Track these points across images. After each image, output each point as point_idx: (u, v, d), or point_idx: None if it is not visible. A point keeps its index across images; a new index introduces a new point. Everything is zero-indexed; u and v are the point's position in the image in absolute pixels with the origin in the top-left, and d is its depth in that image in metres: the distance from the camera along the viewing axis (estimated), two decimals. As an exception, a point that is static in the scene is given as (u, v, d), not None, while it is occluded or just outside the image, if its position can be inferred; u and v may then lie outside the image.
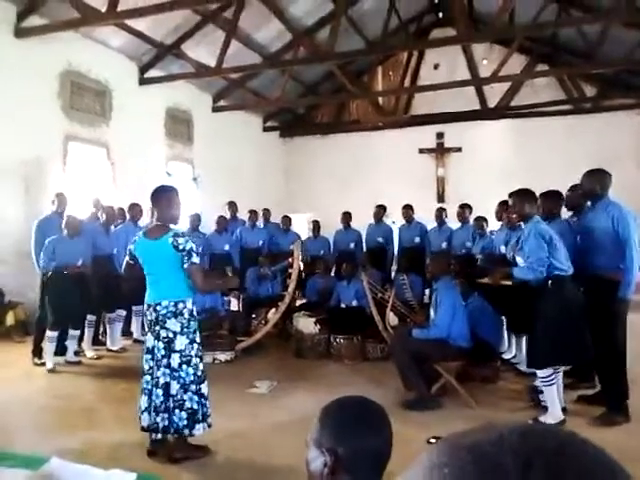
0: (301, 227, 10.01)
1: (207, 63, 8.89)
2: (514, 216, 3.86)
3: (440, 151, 12.65)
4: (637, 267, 3.52)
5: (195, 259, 3.03)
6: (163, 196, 3.15)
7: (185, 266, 3.01)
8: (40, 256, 5.12)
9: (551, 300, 3.53)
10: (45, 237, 5.18)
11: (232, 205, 8.04)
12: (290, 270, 5.88)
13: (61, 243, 5.08)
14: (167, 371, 3.06)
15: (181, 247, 2.99)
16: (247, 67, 8.85)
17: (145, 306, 3.20)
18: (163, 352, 3.07)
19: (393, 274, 7.24)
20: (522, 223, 4.03)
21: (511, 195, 3.80)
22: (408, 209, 7.49)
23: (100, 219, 5.96)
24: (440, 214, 7.11)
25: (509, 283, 4.06)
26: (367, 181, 12.47)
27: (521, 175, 10.75)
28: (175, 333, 3.07)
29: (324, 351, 5.54)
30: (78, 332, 5.35)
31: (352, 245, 7.66)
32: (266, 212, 8.41)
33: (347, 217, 7.77)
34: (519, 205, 3.70)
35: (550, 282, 3.53)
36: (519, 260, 3.71)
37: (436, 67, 12.28)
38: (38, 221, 5.59)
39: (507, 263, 4.51)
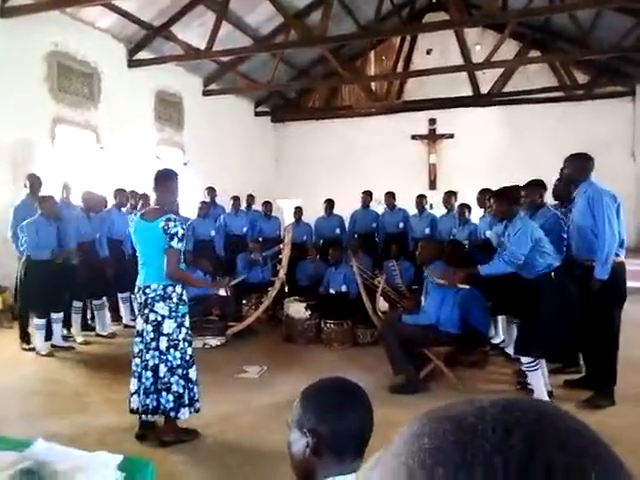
0: (291, 213, 9.97)
1: (197, 45, 8.76)
2: (497, 215, 3.88)
3: (432, 137, 12.63)
4: (611, 246, 3.47)
5: (174, 243, 3.01)
6: (164, 180, 3.15)
7: (164, 247, 3.02)
8: (20, 240, 5.03)
9: (555, 293, 3.53)
10: (20, 222, 5.08)
11: (211, 190, 7.98)
12: (280, 256, 5.88)
13: (39, 227, 4.98)
14: (156, 354, 3.08)
15: (168, 230, 2.99)
16: (238, 50, 8.73)
17: (136, 288, 3.20)
18: (152, 335, 3.09)
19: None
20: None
21: (492, 196, 3.82)
22: (390, 196, 7.58)
23: (71, 203, 5.84)
24: (420, 201, 7.18)
25: (467, 287, 4.03)
26: (359, 167, 12.43)
27: (513, 162, 10.80)
28: (163, 317, 3.08)
29: (314, 336, 5.56)
30: (61, 315, 5.26)
31: (337, 231, 7.67)
32: (249, 198, 8.33)
33: (330, 204, 7.80)
34: (498, 206, 3.74)
35: (553, 274, 3.54)
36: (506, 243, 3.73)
37: (429, 52, 12.21)
38: (15, 206, 5.48)
39: (491, 249, 4.54)
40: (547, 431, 0.35)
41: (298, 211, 7.86)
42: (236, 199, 7.77)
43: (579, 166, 3.71)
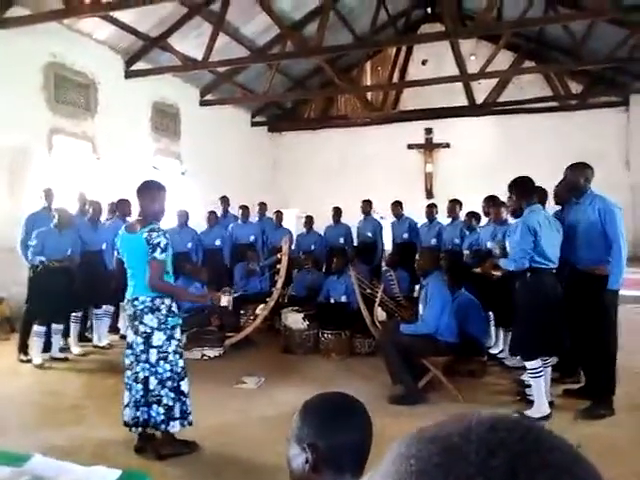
0: (289, 222, 9.98)
1: (194, 56, 8.80)
2: (511, 208, 3.92)
3: (428, 147, 12.69)
4: (625, 258, 3.53)
5: (157, 254, 2.99)
6: (147, 191, 3.14)
7: (148, 259, 3.01)
8: (28, 250, 5.04)
9: (530, 292, 3.58)
10: (30, 233, 5.12)
11: (224, 200, 8.04)
12: (279, 266, 5.87)
13: (49, 236, 5.01)
14: (146, 366, 3.07)
15: (151, 241, 2.98)
16: (234, 61, 8.78)
17: (125, 300, 3.20)
18: (142, 347, 3.08)
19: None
20: (511, 217, 4.08)
21: (509, 186, 3.84)
22: (397, 205, 7.52)
23: (86, 214, 5.90)
24: (431, 210, 7.12)
25: (499, 273, 4.11)
26: (355, 177, 12.47)
27: (508, 171, 10.78)
28: (152, 329, 3.06)
29: (312, 346, 5.54)
30: (62, 326, 5.25)
31: (341, 240, 7.67)
32: (262, 206, 8.36)
33: (338, 212, 7.79)
34: (517, 194, 3.74)
35: (529, 274, 3.57)
36: (507, 246, 3.77)
37: (424, 63, 12.30)
38: (27, 216, 5.52)
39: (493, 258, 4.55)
40: (530, 451, 0.35)
41: (309, 220, 7.86)
42: (245, 208, 7.78)
43: (584, 174, 3.74)
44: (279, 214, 8.05)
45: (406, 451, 0.38)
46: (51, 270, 4.99)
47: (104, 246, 5.75)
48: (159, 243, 2.98)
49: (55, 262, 4.99)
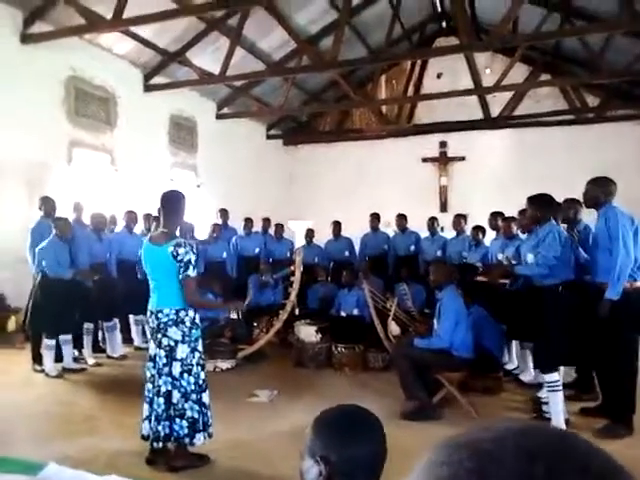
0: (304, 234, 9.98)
1: (211, 70, 8.93)
2: (526, 221, 3.96)
3: (443, 160, 12.65)
4: (624, 266, 3.45)
5: (190, 272, 3.00)
6: (172, 201, 3.12)
7: (180, 277, 3.00)
8: (39, 262, 5.06)
9: (563, 304, 3.57)
10: (37, 243, 5.15)
11: (224, 212, 8.06)
12: (292, 278, 5.87)
13: (58, 249, 5.05)
14: (169, 379, 3.05)
15: (179, 257, 2.97)
16: (251, 75, 8.89)
17: (148, 313, 3.19)
18: (165, 360, 3.06)
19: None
20: (521, 232, 4.06)
21: (528, 199, 3.87)
22: (402, 218, 7.56)
23: (83, 223, 5.88)
24: (432, 223, 7.16)
25: (506, 281, 4.11)
26: (370, 190, 12.46)
27: (524, 185, 10.71)
28: (176, 341, 3.04)
29: (325, 360, 5.52)
30: (69, 337, 5.23)
31: (346, 253, 7.67)
32: (265, 222, 8.29)
33: (337, 226, 7.83)
34: (532, 209, 3.77)
35: (561, 288, 3.59)
36: (530, 257, 3.74)
37: (439, 76, 12.31)
38: (32, 227, 5.55)
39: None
40: (569, 457, 0.35)
41: (309, 233, 7.89)
42: (248, 220, 7.82)
43: (604, 189, 3.69)
44: (278, 226, 8.06)
45: (436, 458, 0.38)
46: (61, 283, 5.01)
47: (109, 256, 5.80)
48: (190, 260, 2.98)
49: (75, 274, 5.03)
